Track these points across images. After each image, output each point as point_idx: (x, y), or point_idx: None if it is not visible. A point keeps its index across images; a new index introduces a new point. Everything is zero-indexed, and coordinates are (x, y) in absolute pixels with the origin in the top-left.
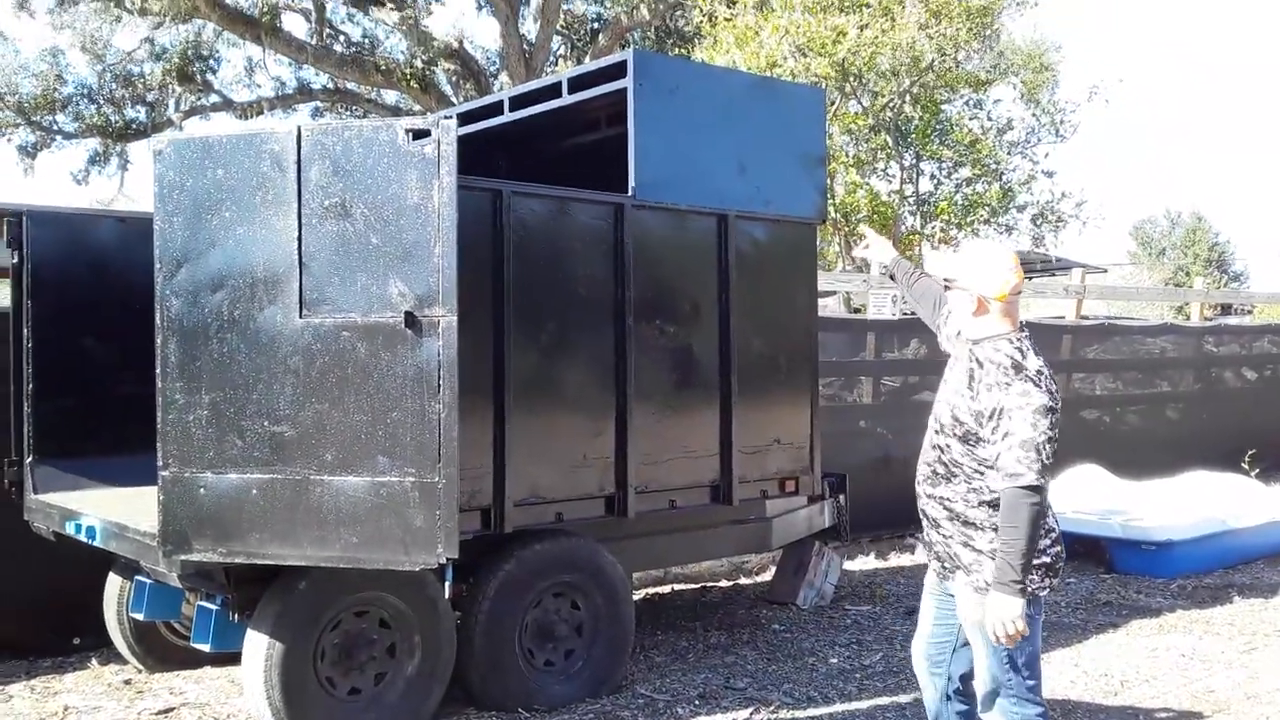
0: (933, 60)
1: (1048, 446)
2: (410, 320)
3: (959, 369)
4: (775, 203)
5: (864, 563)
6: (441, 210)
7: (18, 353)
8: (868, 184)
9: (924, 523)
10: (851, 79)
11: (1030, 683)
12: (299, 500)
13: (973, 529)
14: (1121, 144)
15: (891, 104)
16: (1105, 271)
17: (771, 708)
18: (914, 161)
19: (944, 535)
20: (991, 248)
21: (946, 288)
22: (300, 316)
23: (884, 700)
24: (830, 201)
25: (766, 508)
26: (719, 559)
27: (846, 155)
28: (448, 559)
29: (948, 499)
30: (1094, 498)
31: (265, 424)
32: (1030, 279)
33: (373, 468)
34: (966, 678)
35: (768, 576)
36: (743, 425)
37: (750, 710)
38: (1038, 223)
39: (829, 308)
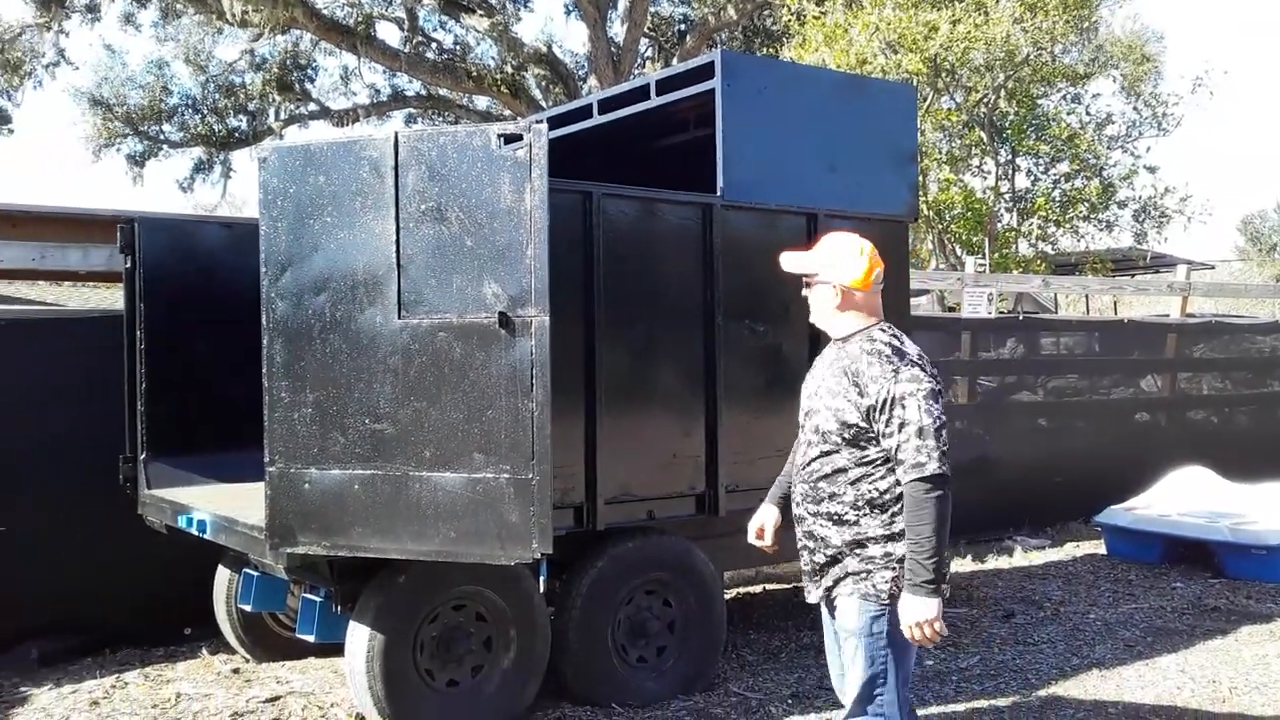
0: (1028, 54)
1: (944, 432)
2: (504, 320)
3: (829, 371)
4: (865, 201)
5: (960, 565)
6: (533, 212)
7: (131, 354)
8: (961, 181)
9: (807, 546)
10: (944, 75)
11: (901, 697)
12: (399, 495)
13: (864, 538)
14: (1229, 136)
15: (986, 99)
16: (1213, 268)
17: None
18: (1010, 158)
19: (831, 554)
20: (847, 237)
21: (806, 284)
22: (399, 318)
23: (981, 703)
24: (923, 199)
25: None
26: None
27: (939, 152)
28: (542, 554)
29: (836, 512)
30: (1201, 500)
31: (366, 421)
32: (1133, 276)
33: (469, 464)
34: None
35: None
36: None
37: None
38: (1140, 219)
39: (922, 307)
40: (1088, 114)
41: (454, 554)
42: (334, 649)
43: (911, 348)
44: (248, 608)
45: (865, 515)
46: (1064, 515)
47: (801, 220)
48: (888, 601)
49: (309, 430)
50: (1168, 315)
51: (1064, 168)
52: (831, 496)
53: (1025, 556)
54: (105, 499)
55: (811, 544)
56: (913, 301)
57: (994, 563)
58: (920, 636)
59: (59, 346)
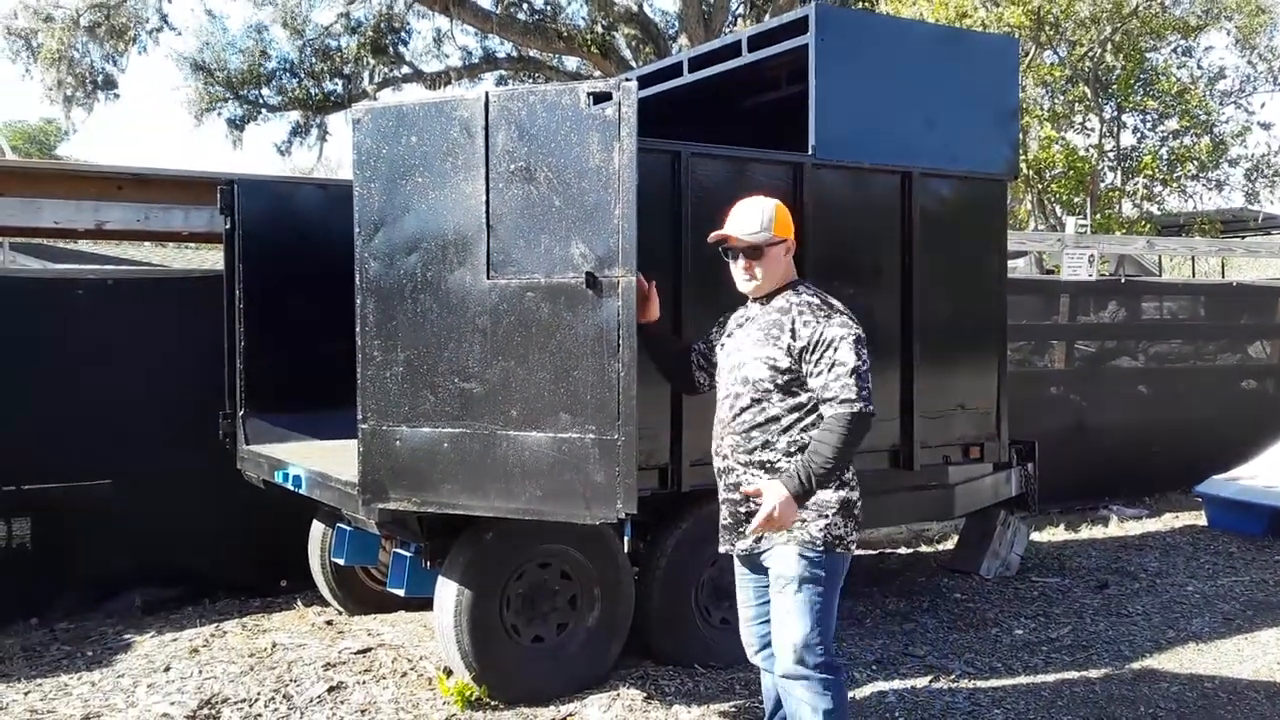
0: (1137, 5)
1: (870, 376)
2: (591, 281)
3: (754, 326)
4: (963, 159)
5: (1052, 534)
6: (621, 172)
7: (230, 313)
8: (1063, 138)
9: (731, 498)
10: (1047, 28)
11: (831, 642)
12: (487, 454)
13: None
14: None
15: (1091, 53)
16: None
17: (952, 677)
18: (1115, 114)
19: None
20: (764, 198)
21: (759, 253)
22: (488, 278)
23: (1072, 674)
24: (1023, 158)
25: (949, 474)
26: (898, 525)
27: (1041, 109)
28: (626, 514)
29: (768, 460)
30: None
31: (455, 381)
32: (1243, 238)
33: (555, 424)
34: None
35: (949, 545)
36: (925, 389)
37: (930, 678)
38: (1252, 177)
39: (1019, 269)
40: (1199, 68)
41: (540, 513)
42: (423, 603)
43: (837, 301)
44: (341, 561)
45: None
46: (1163, 485)
47: (896, 179)
48: (823, 550)
49: (400, 389)
50: (1279, 278)
51: (1172, 124)
52: (765, 445)
53: (1121, 526)
54: (206, 454)
55: (738, 495)
56: (1010, 263)
57: (1088, 532)
58: (764, 517)
59: (164, 305)
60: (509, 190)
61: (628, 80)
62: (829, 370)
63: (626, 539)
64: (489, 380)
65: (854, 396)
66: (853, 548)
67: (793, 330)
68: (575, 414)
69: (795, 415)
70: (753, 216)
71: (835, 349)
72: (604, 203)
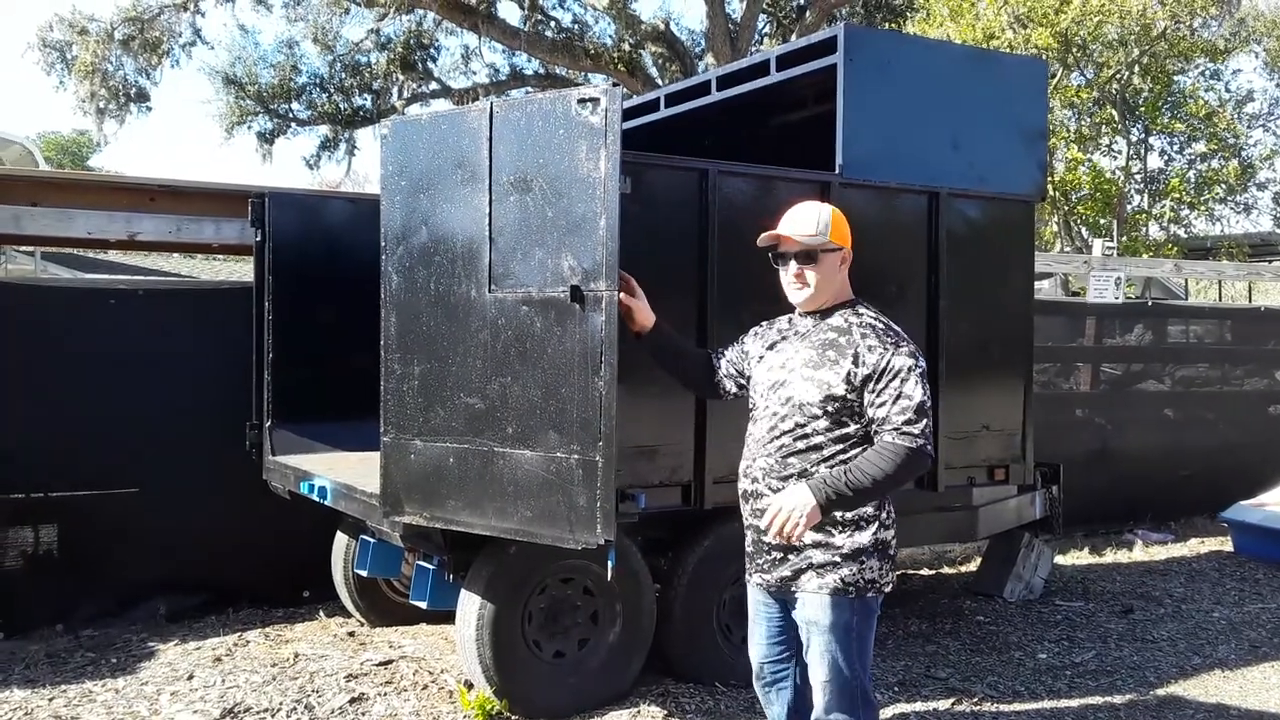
0: (1165, 28)
1: (930, 414)
2: (576, 294)
3: (805, 344)
4: (991, 180)
5: (1076, 557)
6: (606, 180)
7: (259, 325)
8: (1090, 160)
9: (758, 524)
10: (1075, 50)
11: (867, 682)
12: (485, 471)
13: (829, 523)
14: None
15: (1118, 75)
16: None
17: (974, 700)
18: (1142, 136)
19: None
20: (822, 204)
21: (810, 257)
22: (489, 291)
23: (1096, 700)
24: (1049, 179)
25: (973, 496)
26: (921, 546)
27: (1068, 130)
28: (606, 540)
29: None
30: None
31: (461, 395)
32: (1271, 262)
33: (545, 443)
34: (809, 692)
35: (972, 567)
36: (950, 410)
37: (952, 701)
38: None
39: (1045, 290)
40: (1227, 91)
41: (530, 534)
42: (445, 616)
43: (897, 326)
44: (364, 573)
45: None
46: (1189, 510)
47: (923, 199)
48: (854, 595)
49: (415, 402)
50: None
51: (1200, 147)
52: (802, 474)
53: (1146, 551)
54: (232, 464)
55: (764, 522)
56: (1035, 285)
57: (1112, 556)
58: (775, 517)
59: (193, 315)
60: (508, 201)
61: (615, 84)
62: (894, 401)
63: (610, 565)
64: (489, 395)
65: (917, 433)
66: (887, 588)
67: (856, 356)
68: (562, 432)
69: (839, 447)
70: (808, 218)
71: (903, 380)
72: (590, 213)
